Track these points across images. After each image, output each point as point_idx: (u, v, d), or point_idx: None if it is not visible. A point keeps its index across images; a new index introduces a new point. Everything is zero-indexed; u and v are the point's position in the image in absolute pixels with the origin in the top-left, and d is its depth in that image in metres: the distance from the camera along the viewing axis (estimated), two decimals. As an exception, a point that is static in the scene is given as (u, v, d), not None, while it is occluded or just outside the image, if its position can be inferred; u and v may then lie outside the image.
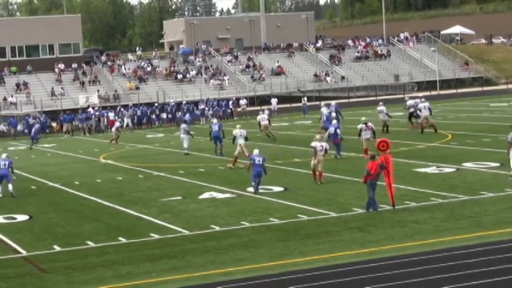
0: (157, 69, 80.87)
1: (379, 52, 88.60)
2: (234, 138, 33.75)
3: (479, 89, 78.92)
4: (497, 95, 69.00)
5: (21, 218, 24.51)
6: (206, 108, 62.99)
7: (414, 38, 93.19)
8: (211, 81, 77.83)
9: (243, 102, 67.61)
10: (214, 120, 40.24)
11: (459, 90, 77.96)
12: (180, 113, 61.71)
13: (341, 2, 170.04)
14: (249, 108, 65.69)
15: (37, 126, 52.15)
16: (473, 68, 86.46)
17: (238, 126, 34.79)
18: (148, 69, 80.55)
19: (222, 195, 26.34)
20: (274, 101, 65.47)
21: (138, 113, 61.78)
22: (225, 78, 79.34)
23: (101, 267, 17.71)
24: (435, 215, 21.15)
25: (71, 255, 19.06)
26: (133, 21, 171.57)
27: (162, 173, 32.94)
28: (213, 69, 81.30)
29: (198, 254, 18.41)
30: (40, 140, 49.89)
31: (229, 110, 64.80)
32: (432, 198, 23.42)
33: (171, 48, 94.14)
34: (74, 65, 78.55)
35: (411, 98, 49.74)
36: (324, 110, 43.56)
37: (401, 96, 68.92)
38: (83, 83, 76.00)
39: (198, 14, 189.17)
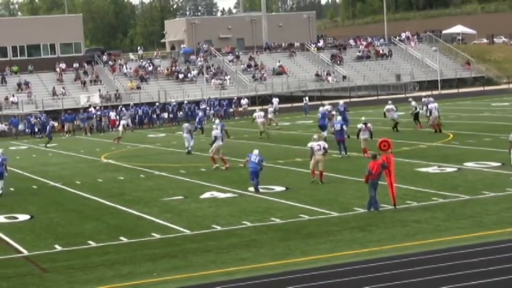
0: (158, 68, 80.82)
1: (381, 52, 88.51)
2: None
3: (481, 88, 78.80)
4: (499, 95, 68.98)
5: (23, 217, 24.51)
6: (208, 108, 62.96)
7: (415, 37, 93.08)
8: (213, 81, 77.78)
9: (244, 102, 67.53)
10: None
11: (460, 90, 77.84)
12: (181, 113, 61.56)
13: (342, 2, 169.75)
14: (250, 108, 65.64)
15: (51, 123, 52.65)
16: (474, 68, 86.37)
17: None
18: (150, 68, 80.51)
19: (224, 194, 26.31)
20: (275, 100, 65.32)
21: (140, 112, 61.80)
22: (226, 77, 79.29)
23: (102, 266, 17.69)
24: (436, 214, 21.13)
25: (72, 254, 19.05)
26: (135, 21, 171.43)
27: (164, 172, 32.93)
28: (214, 68, 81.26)
29: (200, 253, 18.40)
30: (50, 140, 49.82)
31: (230, 110, 64.72)
32: (433, 198, 23.40)
33: (173, 47, 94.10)
34: (76, 65, 78.47)
35: (425, 97, 48.92)
36: (320, 108, 43.53)
37: (403, 95, 68.90)
38: (84, 83, 75.98)
39: (199, 13, 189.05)
